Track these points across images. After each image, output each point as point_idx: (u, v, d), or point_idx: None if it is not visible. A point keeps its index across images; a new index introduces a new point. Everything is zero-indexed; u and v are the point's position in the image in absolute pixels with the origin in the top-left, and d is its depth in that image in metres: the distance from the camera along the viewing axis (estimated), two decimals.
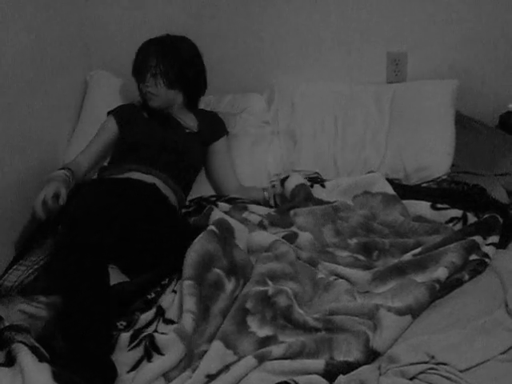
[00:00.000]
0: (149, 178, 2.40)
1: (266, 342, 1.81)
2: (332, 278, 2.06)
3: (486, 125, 2.95)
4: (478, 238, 2.11)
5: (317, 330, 1.83)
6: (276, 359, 1.71)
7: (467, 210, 2.34)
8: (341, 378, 1.63)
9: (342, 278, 2.06)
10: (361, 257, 2.20)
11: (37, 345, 1.75)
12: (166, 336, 1.80)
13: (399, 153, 2.77)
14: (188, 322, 1.83)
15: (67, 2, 2.91)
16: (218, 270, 2.03)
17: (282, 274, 2.03)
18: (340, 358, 1.72)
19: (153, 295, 2.02)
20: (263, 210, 2.51)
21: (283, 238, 2.24)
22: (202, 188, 2.74)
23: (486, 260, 2.05)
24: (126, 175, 2.40)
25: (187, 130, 2.66)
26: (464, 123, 2.90)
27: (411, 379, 1.60)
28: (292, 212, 2.41)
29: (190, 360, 1.78)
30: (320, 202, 2.49)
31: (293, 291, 1.96)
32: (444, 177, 2.70)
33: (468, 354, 1.67)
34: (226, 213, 2.42)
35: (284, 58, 3.03)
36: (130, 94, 2.88)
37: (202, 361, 1.72)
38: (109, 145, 2.69)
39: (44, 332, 1.88)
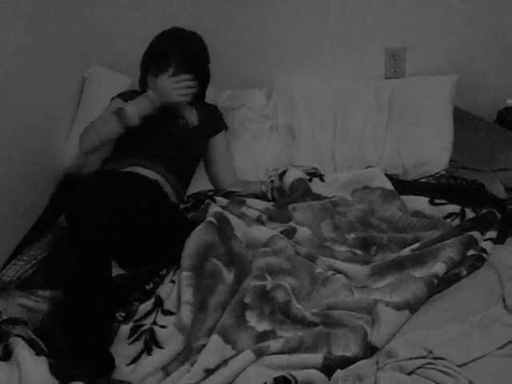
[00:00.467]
0: (152, 174, 2.39)
1: (264, 336, 1.82)
2: (330, 272, 2.06)
3: (485, 120, 2.96)
4: (475, 234, 2.11)
5: (315, 324, 1.83)
6: (274, 354, 1.72)
7: (465, 205, 2.34)
8: (338, 372, 1.63)
9: (340, 272, 2.07)
10: (359, 252, 2.21)
11: (34, 337, 1.75)
12: (165, 330, 1.81)
13: (398, 148, 2.77)
14: (186, 314, 1.84)
15: (67, 1, 2.91)
16: (216, 261, 2.04)
17: (280, 269, 2.04)
18: (338, 352, 1.72)
19: (151, 285, 2.04)
20: (261, 205, 2.50)
21: (281, 232, 2.25)
22: (200, 182, 2.74)
23: (484, 255, 2.05)
24: (129, 169, 2.39)
25: (190, 125, 2.64)
26: (462, 118, 2.90)
27: (409, 374, 1.60)
28: (290, 207, 2.41)
29: (188, 353, 1.79)
30: (318, 197, 2.49)
31: (291, 286, 1.97)
32: (442, 172, 2.71)
33: (466, 349, 1.67)
34: (223, 207, 2.42)
35: (283, 55, 3.03)
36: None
37: (200, 355, 1.73)
38: None
39: (42, 325, 1.89)
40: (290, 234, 2.26)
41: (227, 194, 2.56)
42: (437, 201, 2.38)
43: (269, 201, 2.58)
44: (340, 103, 2.92)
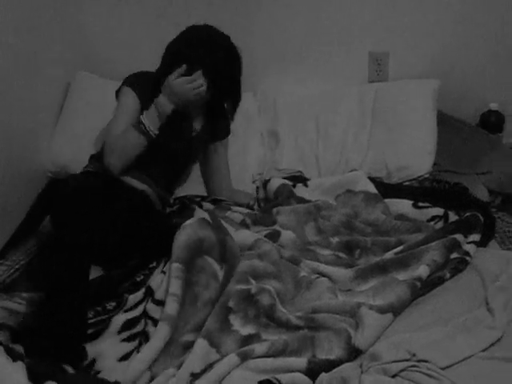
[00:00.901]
0: (140, 185, 2.37)
1: (248, 340, 1.82)
2: (314, 276, 2.06)
3: (468, 124, 2.97)
4: (459, 237, 2.12)
5: (299, 328, 1.84)
6: (259, 357, 1.72)
7: (448, 208, 2.35)
8: (323, 375, 1.64)
9: (324, 276, 2.07)
10: (343, 255, 2.21)
11: (10, 345, 1.75)
12: (157, 329, 1.83)
13: (381, 152, 2.78)
14: (172, 305, 1.86)
15: (51, 6, 2.89)
16: (209, 258, 2.04)
17: (264, 272, 2.03)
18: (322, 355, 1.73)
19: (141, 277, 2.04)
20: (246, 210, 2.51)
21: (266, 236, 2.25)
22: (187, 185, 2.73)
23: (467, 258, 2.07)
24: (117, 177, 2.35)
25: (193, 133, 2.53)
26: (446, 122, 2.91)
27: (393, 377, 1.61)
28: (275, 210, 2.41)
29: (174, 347, 1.81)
30: (302, 201, 2.50)
31: (275, 290, 1.97)
32: (426, 175, 2.72)
33: (449, 352, 1.69)
34: (209, 212, 2.43)
35: (266, 59, 3.02)
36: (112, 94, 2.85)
37: (186, 359, 1.73)
38: None
39: (21, 326, 1.88)
40: (274, 237, 2.26)
41: (214, 201, 2.56)
42: (420, 204, 2.40)
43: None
44: (323, 107, 2.92)
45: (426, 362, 1.64)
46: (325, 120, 2.90)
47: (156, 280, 2.01)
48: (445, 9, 2.91)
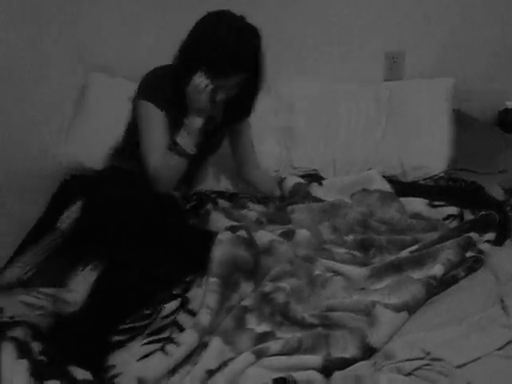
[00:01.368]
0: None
1: (263, 338, 1.82)
2: (329, 274, 2.06)
3: (484, 122, 2.97)
4: (474, 235, 2.11)
5: (314, 326, 1.84)
6: (274, 355, 1.72)
7: (464, 207, 2.35)
8: (337, 374, 1.64)
9: (338, 274, 2.07)
10: (358, 253, 2.21)
11: (29, 340, 1.76)
12: (184, 334, 1.81)
13: (396, 151, 2.78)
14: (205, 317, 1.83)
15: (61, 9, 2.92)
16: (242, 276, 2.02)
17: (282, 272, 2.03)
18: (337, 354, 1.72)
19: (179, 291, 2.02)
20: (262, 209, 2.53)
21: (280, 234, 2.25)
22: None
23: (482, 257, 2.06)
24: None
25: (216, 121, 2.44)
26: (461, 121, 2.91)
27: (407, 375, 1.61)
28: (289, 209, 2.42)
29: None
30: (318, 201, 2.50)
31: (291, 288, 1.97)
32: (441, 174, 2.72)
33: (463, 351, 1.68)
34: (224, 210, 2.44)
35: (282, 57, 3.02)
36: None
37: (201, 357, 1.73)
38: None
39: (45, 323, 1.88)
40: (289, 235, 2.26)
41: (231, 197, 2.56)
42: (435, 203, 2.39)
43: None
44: (339, 105, 2.93)
45: (440, 360, 1.64)
46: (340, 118, 2.90)
47: (193, 293, 2.00)
48: (461, 7, 2.91)
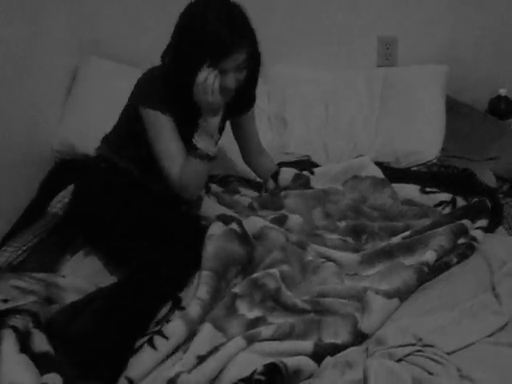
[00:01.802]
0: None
1: (255, 323, 1.82)
2: (321, 260, 2.06)
3: (476, 109, 2.96)
4: (466, 222, 2.12)
5: (306, 311, 1.84)
6: (265, 340, 1.72)
7: (456, 193, 2.35)
8: (328, 359, 1.64)
9: (330, 260, 2.07)
10: (350, 239, 2.21)
11: (31, 331, 1.75)
12: (171, 323, 1.80)
13: (389, 137, 2.78)
14: (195, 308, 1.82)
15: None
16: (234, 271, 2.02)
17: (274, 260, 2.03)
18: (328, 339, 1.73)
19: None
20: (254, 194, 2.52)
21: (273, 220, 2.24)
22: None
23: (474, 244, 2.06)
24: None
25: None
26: (454, 108, 2.90)
27: (398, 361, 1.61)
28: (282, 194, 2.40)
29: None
30: (310, 188, 2.49)
31: (281, 273, 1.96)
32: (434, 161, 2.72)
33: (455, 337, 1.69)
34: (216, 195, 2.43)
35: (275, 44, 2.98)
36: (120, 78, 2.84)
37: (192, 342, 1.73)
38: None
39: (55, 317, 1.87)
40: (281, 221, 2.24)
41: (222, 181, 2.54)
42: (428, 189, 2.39)
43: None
44: (332, 91, 2.92)
45: (431, 346, 1.64)
46: (333, 104, 2.90)
47: (184, 293, 1.98)
48: None
